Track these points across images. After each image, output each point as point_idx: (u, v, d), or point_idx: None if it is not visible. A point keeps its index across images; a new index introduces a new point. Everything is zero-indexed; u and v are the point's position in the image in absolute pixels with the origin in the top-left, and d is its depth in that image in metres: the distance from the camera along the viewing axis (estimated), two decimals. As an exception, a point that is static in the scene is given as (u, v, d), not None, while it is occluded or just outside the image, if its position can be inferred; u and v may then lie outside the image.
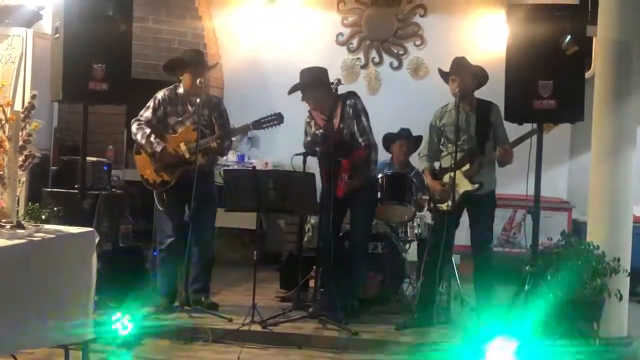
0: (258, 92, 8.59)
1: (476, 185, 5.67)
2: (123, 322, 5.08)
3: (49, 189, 6.54)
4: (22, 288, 3.55)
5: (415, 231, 6.66)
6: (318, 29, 8.71)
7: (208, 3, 8.79)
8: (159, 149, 5.88)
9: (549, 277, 5.30)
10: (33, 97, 4.42)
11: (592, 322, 5.33)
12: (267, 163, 8.19)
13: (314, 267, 6.15)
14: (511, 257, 7.46)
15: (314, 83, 5.89)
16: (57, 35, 5.39)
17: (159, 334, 5.39)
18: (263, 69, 8.76)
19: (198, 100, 5.88)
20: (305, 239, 6.70)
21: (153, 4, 8.25)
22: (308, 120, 6.08)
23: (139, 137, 5.96)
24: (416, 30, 8.65)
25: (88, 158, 5.88)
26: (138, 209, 7.09)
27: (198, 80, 5.82)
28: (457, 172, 5.63)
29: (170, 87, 6.09)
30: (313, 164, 6.05)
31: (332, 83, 5.81)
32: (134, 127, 6.00)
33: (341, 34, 8.76)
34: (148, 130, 5.93)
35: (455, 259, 6.54)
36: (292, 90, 5.98)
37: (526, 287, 5.14)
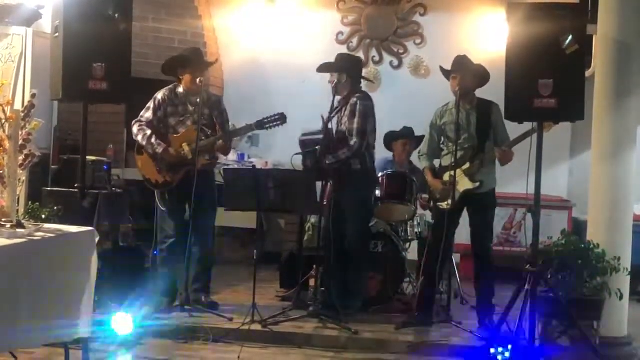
0: (258, 91, 8.59)
1: (477, 184, 5.68)
2: (123, 322, 5.08)
3: (49, 188, 6.54)
4: (22, 287, 3.55)
5: (416, 230, 6.66)
6: (318, 28, 8.71)
7: (208, 2, 8.79)
8: (160, 150, 5.88)
9: (549, 276, 5.30)
10: (33, 96, 4.40)
11: (593, 321, 5.32)
12: (267, 162, 8.18)
13: (314, 266, 6.15)
14: (511, 256, 7.46)
15: (334, 67, 5.98)
16: (57, 34, 5.38)
17: (159, 334, 5.39)
18: (263, 68, 8.76)
19: (198, 99, 5.87)
20: (306, 238, 6.70)
21: (153, 3, 8.24)
22: None
23: (139, 138, 5.96)
24: (416, 29, 8.66)
25: (88, 157, 5.87)
26: (138, 208, 7.09)
27: (198, 80, 5.82)
28: (458, 170, 5.64)
29: (170, 87, 6.09)
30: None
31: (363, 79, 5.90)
32: (135, 129, 6.00)
33: (341, 32, 8.76)
34: (149, 132, 5.93)
35: (455, 257, 6.55)
36: (322, 69, 6.07)
37: (526, 286, 5.13)
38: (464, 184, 5.69)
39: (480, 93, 5.88)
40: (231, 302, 6.19)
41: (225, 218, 6.89)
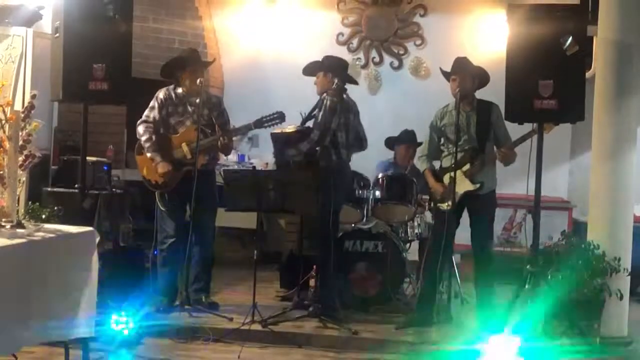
0: (258, 91, 8.59)
1: (477, 185, 5.68)
2: (123, 322, 5.08)
3: (49, 189, 6.54)
4: (22, 288, 3.55)
5: (416, 231, 6.66)
6: (318, 28, 8.71)
7: (208, 3, 8.79)
8: (157, 160, 5.87)
9: (549, 277, 5.30)
10: (33, 96, 4.40)
11: (593, 321, 5.33)
12: (267, 163, 8.18)
13: (314, 266, 6.15)
14: (511, 256, 7.44)
15: (308, 69, 6.09)
16: (57, 34, 5.38)
17: (159, 334, 5.39)
18: (263, 68, 8.76)
19: (198, 100, 5.88)
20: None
21: (153, 4, 8.24)
22: None
23: (143, 139, 5.95)
24: (416, 30, 8.66)
25: (88, 158, 5.88)
26: (138, 208, 7.09)
27: (198, 80, 5.83)
28: (458, 172, 5.64)
29: (169, 87, 6.09)
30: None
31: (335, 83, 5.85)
32: (140, 129, 5.98)
33: (341, 33, 8.76)
34: (155, 137, 5.94)
35: (455, 258, 6.54)
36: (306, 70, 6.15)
37: (526, 286, 5.14)
38: (464, 185, 5.68)
39: (480, 94, 5.88)
40: (231, 302, 6.19)
41: (226, 218, 6.89)
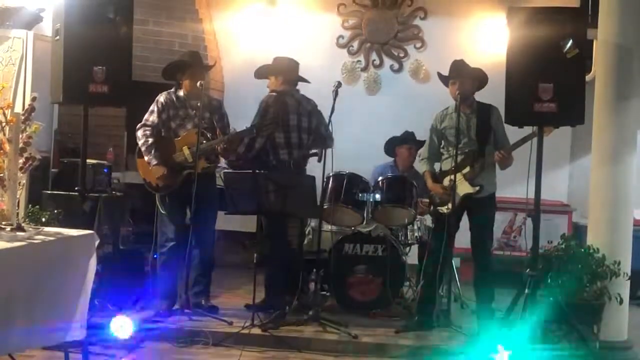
0: (258, 94, 8.56)
1: (477, 188, 5.68)
2: (123, 325, 5.08)
3: (49, 192, 6.53)
4: (21, 290, 3.55)
5: (416, 234, 6.65)
6: (318, 31, 8.70)
7: (208, 5, 8.79)
8: (153, 163, 5.88)
9: (549, 281, 5.30)
10: (33, 99, 4.41)
11: (592, 325, 5.33)
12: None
13: (314, 270, 6.15)
14: (511, 260, 7.46)
15: (259, 72, 6.35)
16: (58, 37, 5.38)
17: (159, 337, 5.38)
18: (263, 71, 8.74)
19: (199, 103, 5.88)
20: (306, 242, 6.69)
21: (154, 7, 8.24)
22: None
23: (141, 143, 5.96)
24: (416, 33, 8.65)
25: (88, 160, 5.87)
26: (138, 211, 7.08)
27: (199, 83, 5.83)
28: (458, 175, 5.64)
29: (170, 90, 6.09)
30: (314, 167, 6.05)
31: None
32: (139, 133, 5.99)
33: (342, 36, 8.76)
34: (151, 141, 5.93)
35: (455, 261, 6.54)
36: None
37: (526, 290, 5.14)
38: (464, 188, 5.68)
39: (480, 98, 5.88)
40: (231, 306, 6.18)
41: (226, 221, 6.88)
